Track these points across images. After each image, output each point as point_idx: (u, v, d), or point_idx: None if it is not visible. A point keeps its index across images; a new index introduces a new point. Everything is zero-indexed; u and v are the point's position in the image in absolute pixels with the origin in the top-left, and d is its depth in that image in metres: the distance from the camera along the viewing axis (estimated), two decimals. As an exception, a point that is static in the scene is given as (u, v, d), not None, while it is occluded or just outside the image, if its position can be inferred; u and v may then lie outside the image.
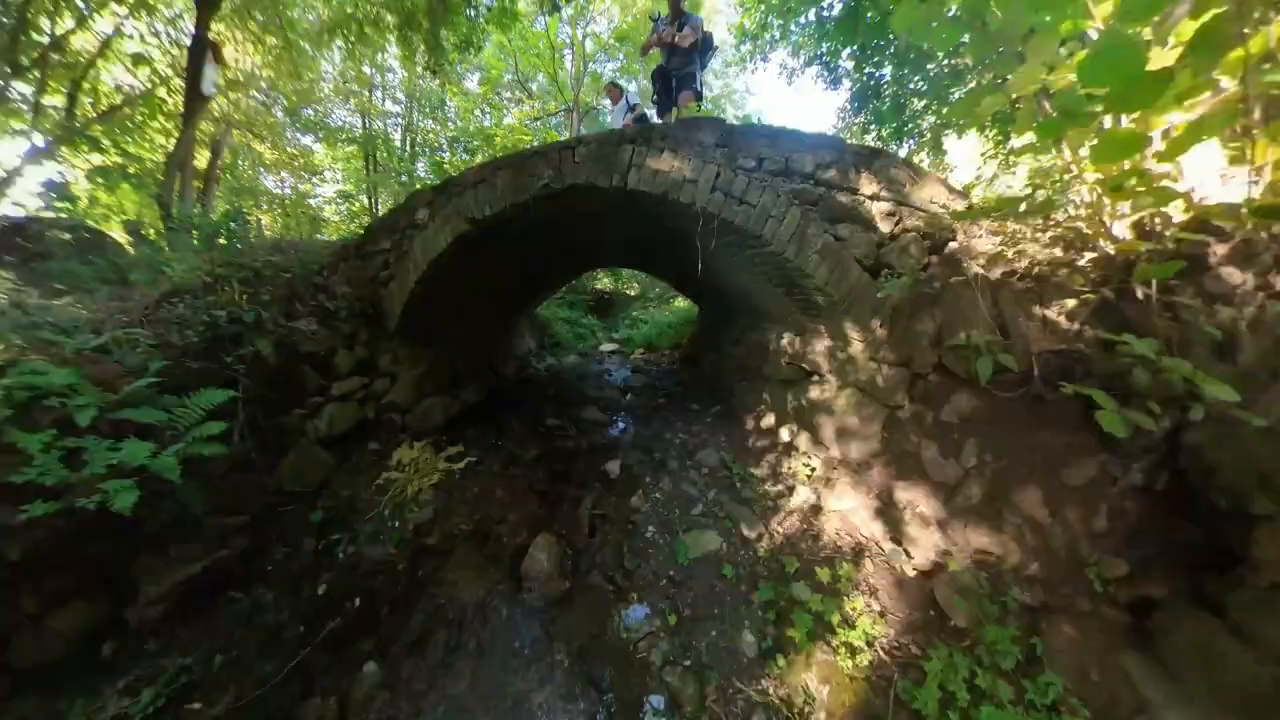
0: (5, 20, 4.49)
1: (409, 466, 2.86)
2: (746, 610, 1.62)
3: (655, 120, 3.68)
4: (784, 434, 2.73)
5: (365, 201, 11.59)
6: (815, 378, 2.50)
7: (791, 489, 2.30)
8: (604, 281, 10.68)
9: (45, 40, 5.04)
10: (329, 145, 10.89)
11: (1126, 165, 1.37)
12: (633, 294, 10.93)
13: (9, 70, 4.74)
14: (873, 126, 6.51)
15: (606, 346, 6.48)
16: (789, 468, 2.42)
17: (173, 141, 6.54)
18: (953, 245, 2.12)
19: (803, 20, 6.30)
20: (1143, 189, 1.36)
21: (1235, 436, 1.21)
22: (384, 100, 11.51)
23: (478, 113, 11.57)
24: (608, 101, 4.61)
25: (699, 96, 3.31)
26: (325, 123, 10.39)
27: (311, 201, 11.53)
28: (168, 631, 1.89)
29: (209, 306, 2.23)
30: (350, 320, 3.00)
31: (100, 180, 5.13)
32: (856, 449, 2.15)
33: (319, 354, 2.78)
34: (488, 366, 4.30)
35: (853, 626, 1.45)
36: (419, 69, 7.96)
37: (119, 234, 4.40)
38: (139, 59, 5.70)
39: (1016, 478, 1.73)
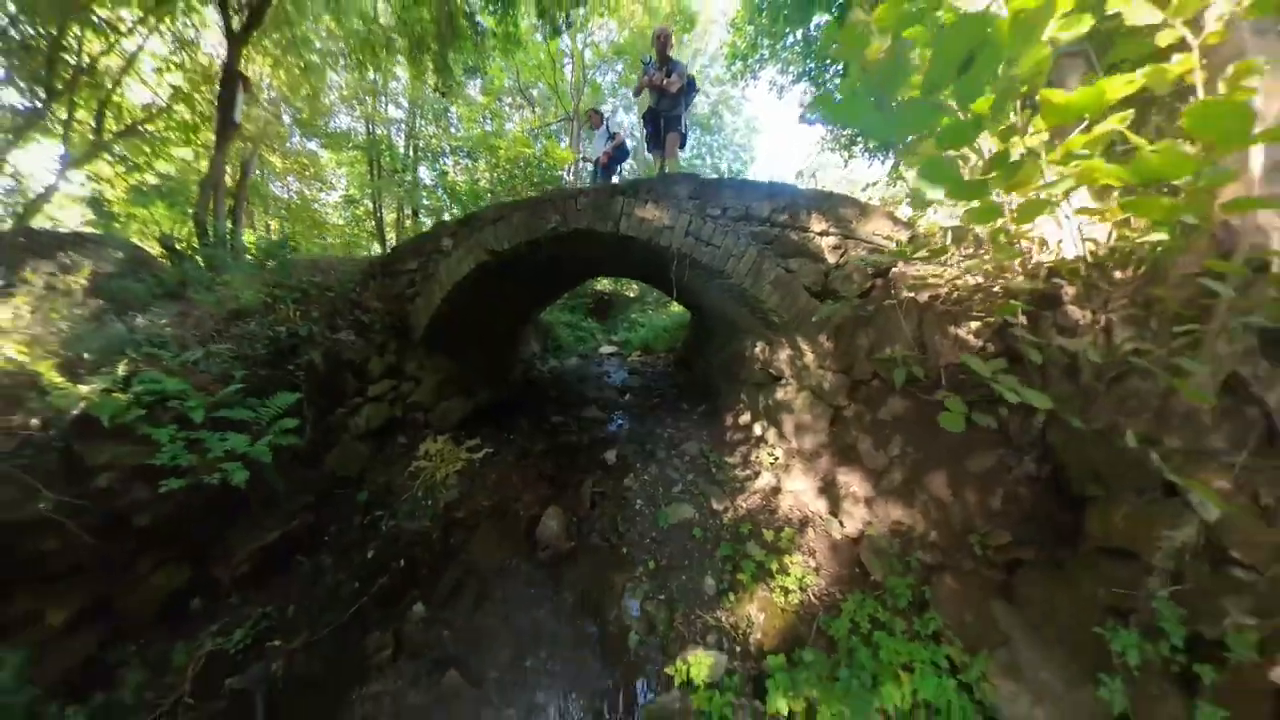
0: (41, 44, 4.88)
1: (435, 457, 3.35)
2: (709, 562, 2.11)
3: (646, 150, 4.11)
4: (756, 429, 3.21)
5: (370, 205, 12.05)
6: (781, 381, 2.97)
7: (757, 474, 2.79)
8: (604, 283, 11.11)
9: (78, 62, 5.43)
10: (334, 151, 11.30)
11: (997, 224, 1.83)
12: (631, 295, 11.37)
13: (45, 93, 5.14)
14: (859, 137, 6.89)
15: (606, 349, 6.94)
16: (757, 457, 2.90)
17: (192, 154, 7.01)
18: (894, 271, 2.59)
19: (790, 39, 6.67)
20: (1003, 243, 1.82)
21: (1075, 436, 1.68)
22: (387, 106, 11.91)
23: (480, 119, 11.97)
24: (588, 127, 5.02)
25: (684, 137, 3.76)
26: (331, 129, 10.79)
27: (315, 205, 11.95)
28: (249, 588, 2.38)
29: (272, 324, 2.70)
30: (382, 332, 3.48)
31: (137, 196, 5.56)
32: (809, 441, 2.63)
33: (356, 361, 3.26)
34: (499, 372, 4.77)
35: (788, 574, 1.94)
36: (427, 88, 8.43)
37: (149, 247, 4.83)
38: (177, 92, 6.14)
39: (930, 465, 2.20)
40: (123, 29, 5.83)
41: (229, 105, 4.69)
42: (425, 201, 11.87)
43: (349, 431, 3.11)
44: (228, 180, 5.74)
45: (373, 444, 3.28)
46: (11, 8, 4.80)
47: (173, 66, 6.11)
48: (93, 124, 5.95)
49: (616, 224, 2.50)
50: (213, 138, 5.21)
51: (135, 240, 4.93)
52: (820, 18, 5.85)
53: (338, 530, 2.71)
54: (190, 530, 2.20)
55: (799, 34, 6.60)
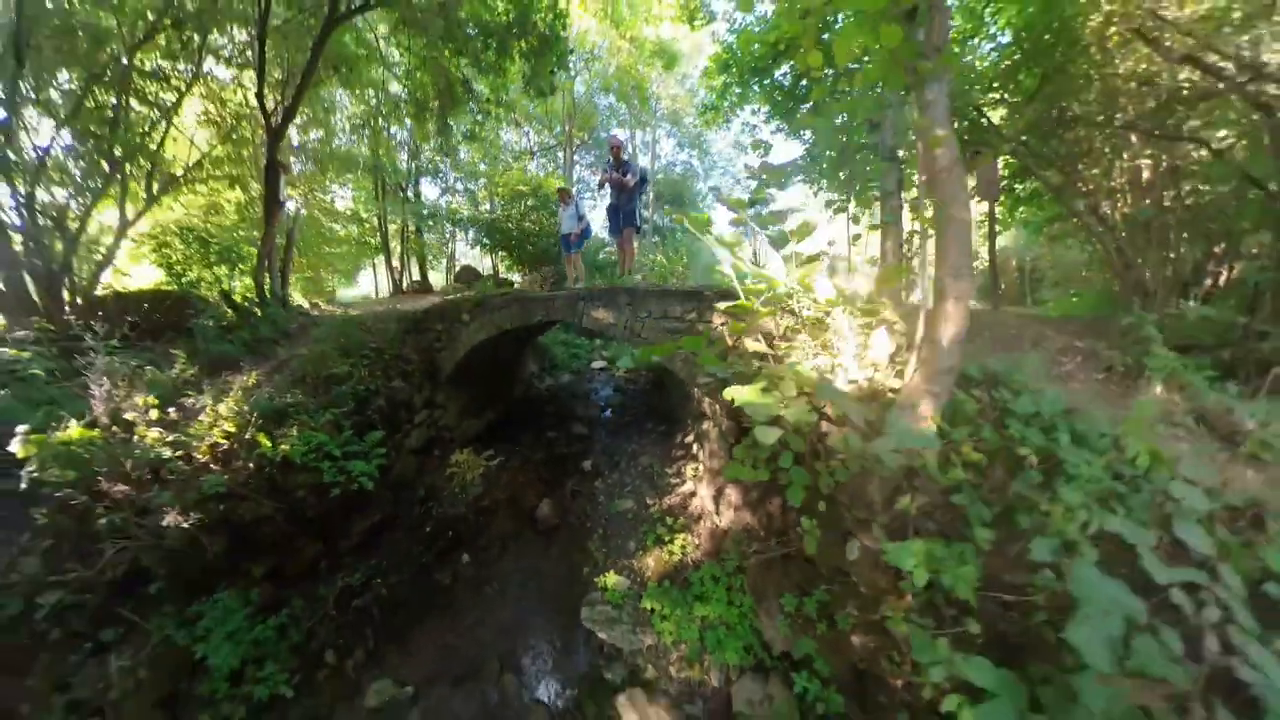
0: (108, 115, 5.75)
1: (462, 464, 4.83)
2: (634, 535, 3.59)
3: (607, 234, 5.32)
4: (694, 449, 4.61)
5: (375, 223, 13.15)
6: (706, 418, 4.34)
7: (684, 481, 4.22)
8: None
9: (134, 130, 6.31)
10: (337, 172, 12.22)
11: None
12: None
13: (108, 163, 5.96)
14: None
15: (596, 364, 8.23)
16: (686, 470, 4.32)
17: (236, 215, 8.18)
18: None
19: (759, 85, 7.20)
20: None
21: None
22: (390, 127, 12.76)
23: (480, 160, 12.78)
24: (559, 207, 5.94)
25: (638, 228, 4.96)
26: (339, 151, 11.66)
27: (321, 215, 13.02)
28: (358, 553, 3.88)
29: (354, 385, 4.10)
30: (419, 376, 4.89)
31: (201, 257, 6.73)
32: (716, 462, 4.03)
33: (405, 400, 4.68)
34: (504, 393, 6.20)
35: (674, 545, 3.40)
36: (429, 148, 9.55)
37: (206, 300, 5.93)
38: (222, 164, 7.30)
39: (768, 491, 3.56)
40: (178, 115, 6.81)
41: (274, 188, 5.90)
42: (429, 221, 12.93)
43: (404, 449, 4.56)
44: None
45: (419, 458, 4.75)
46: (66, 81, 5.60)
47: (218, 146, 7.20)
48: (144, 192, 6.72)
49: (579, 319, 3.84)
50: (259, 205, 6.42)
51: (205, 295, 6.13)
52: (782, 68, 6.52)
53: (406, 516, 4.22)
54: (330, 520, 3.69)
55: (766, 81, 7.12)
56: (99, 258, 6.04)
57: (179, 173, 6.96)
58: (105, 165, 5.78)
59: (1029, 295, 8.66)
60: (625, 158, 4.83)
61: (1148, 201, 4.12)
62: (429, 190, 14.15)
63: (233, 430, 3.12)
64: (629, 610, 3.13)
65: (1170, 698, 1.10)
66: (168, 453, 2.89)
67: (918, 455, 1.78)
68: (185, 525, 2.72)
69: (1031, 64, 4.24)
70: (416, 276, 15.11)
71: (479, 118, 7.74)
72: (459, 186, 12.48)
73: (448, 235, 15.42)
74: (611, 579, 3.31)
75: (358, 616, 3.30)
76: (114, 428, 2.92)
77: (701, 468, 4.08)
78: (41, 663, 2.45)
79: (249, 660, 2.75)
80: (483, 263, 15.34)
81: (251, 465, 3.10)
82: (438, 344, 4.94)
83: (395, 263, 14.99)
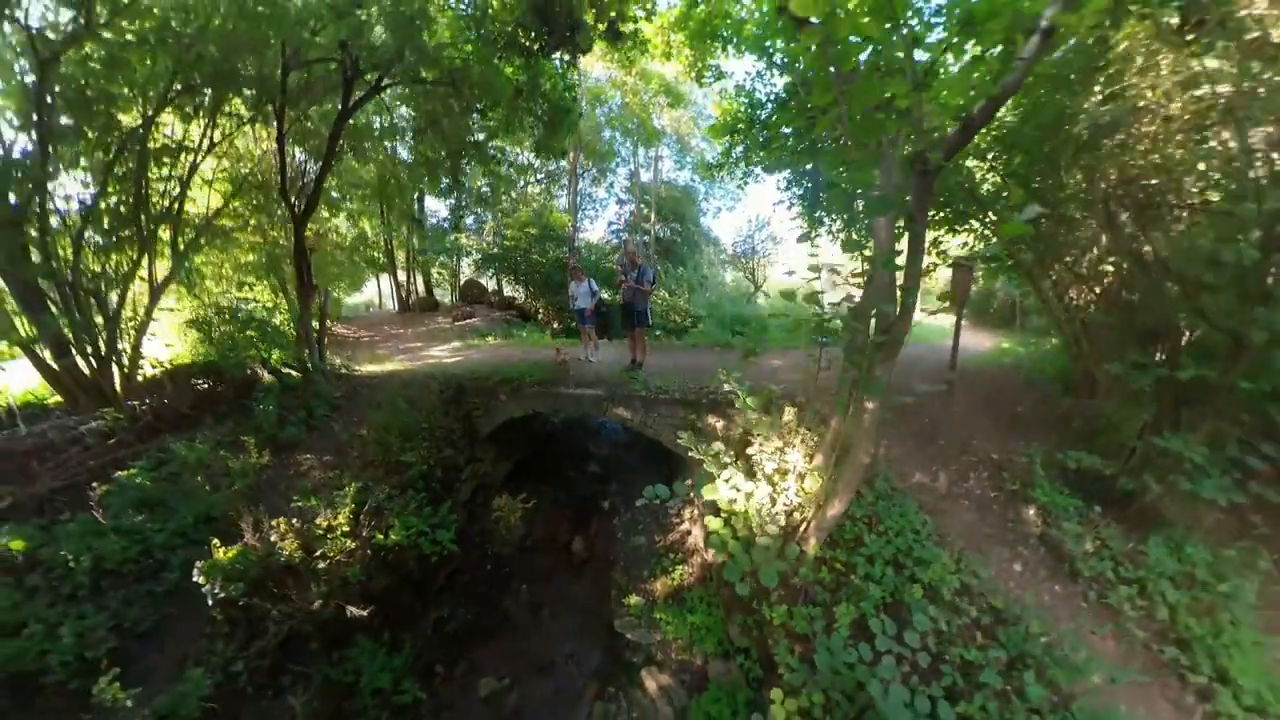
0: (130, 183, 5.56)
1: (504, 508, 6.03)
2: (647, 563, 4.89)
3: (622, 328, 6.17)
4: (690, 493, 5.79)
5: (382, 243, 13.48)
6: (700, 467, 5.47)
7: (682, 521, 5.44)
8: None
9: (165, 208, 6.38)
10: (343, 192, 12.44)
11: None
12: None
13: (136, 234, 5.76)
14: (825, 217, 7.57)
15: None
16: (685, 512, 5.53)
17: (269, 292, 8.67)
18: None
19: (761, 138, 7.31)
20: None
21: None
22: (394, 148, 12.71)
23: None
24: (572, 283, 6.46)
25: (649, 325, 5.81)
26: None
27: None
28: (441, 594, 5.15)
29: (419, 466, 5.16)
30: (462, 439, 5.95)
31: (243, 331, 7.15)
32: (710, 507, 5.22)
33: (453, 463, 5.77)
34: (528, 435, 7.29)
35: (674, 574, 4.67)
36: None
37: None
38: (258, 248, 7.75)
39: None
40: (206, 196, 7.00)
41: (304, 271, 6.54)
42: (441, 254, 13.32)
43: (458, 501, 5.73)
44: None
45: (469, 506, 5.93)
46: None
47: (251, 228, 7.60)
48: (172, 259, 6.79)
49: (604, 414, 4.87)
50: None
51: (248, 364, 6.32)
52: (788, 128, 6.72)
53: (470, 559, 5.46)
54: (426, 575, 4.90)
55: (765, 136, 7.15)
56: (135, 329, 5.93)
57: (205, 239, 7.27)
58: (134, 234, 5.54)
59: (1018, 319, 9.53)
60: (640, 263, 5.58)
61: (1096, 295, 4.24)
62: (434, 203, 14.24)
63: (348, 528, 4.21)
64: (645, 619, 4.50)
65: None
66: (307, 555, 3.97)
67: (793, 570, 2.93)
68: (331, 602, 3.88)
69: (1016, 149, 4.26)
70: (422, 291, 15.65)
71: (487, 184, 8.24)
72: (469, 218, 12.78)
73: (454, 258, 15.75)
74: (633, 599, 4.67)
75: (452, 639, 4.65)
76: (257, 544, 3.91)
77: (696, 511, 5.28)
78: (247, 709, 3.56)
79: (388, 683, 4.05)
80: (486, 274, 15.81)
81: (369, 553, 4.24)
82: (476, 412, 5.98)
83: (401, 277, 15.47)
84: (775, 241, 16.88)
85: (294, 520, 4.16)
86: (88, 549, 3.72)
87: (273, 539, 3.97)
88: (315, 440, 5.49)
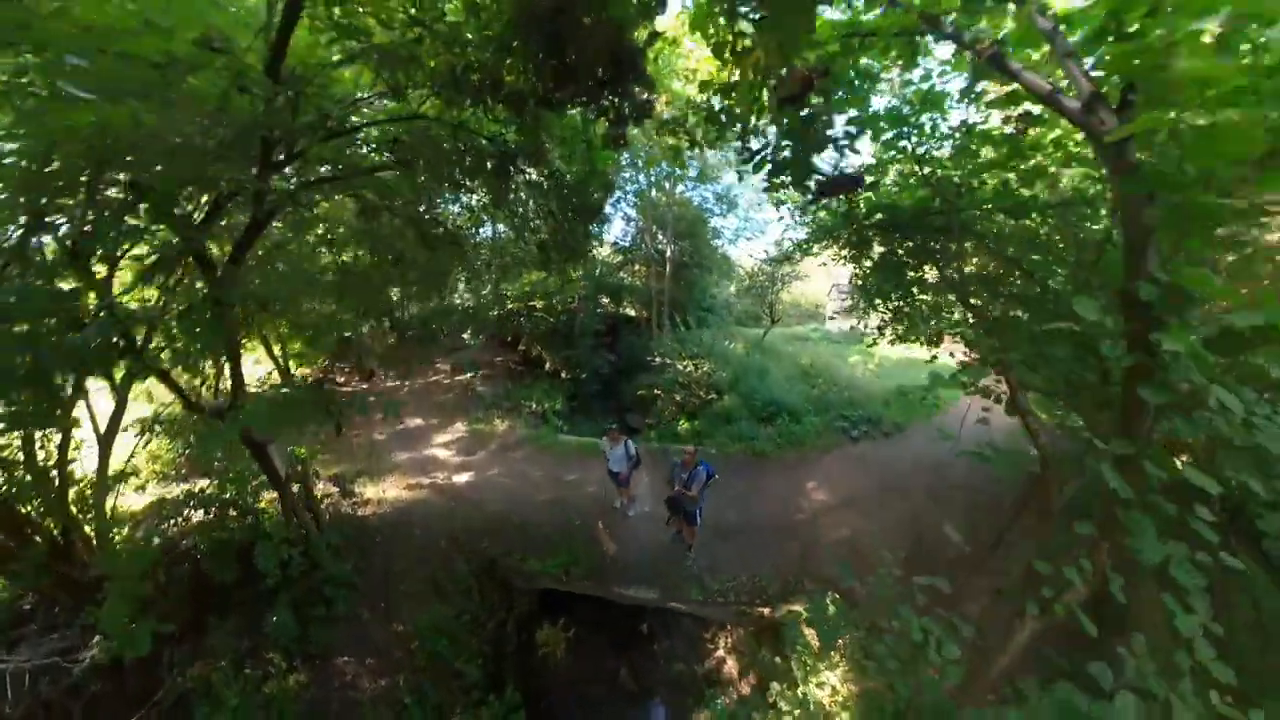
0: None
1: (548, 642, 6.68)
2: (690, 691, 6.06)
3: (665, 521, 6.42)
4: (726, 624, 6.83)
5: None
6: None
7: (717, 648, 6.53)
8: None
9: None
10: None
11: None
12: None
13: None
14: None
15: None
16: (720, 639, 6.59)
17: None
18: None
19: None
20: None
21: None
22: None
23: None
24: (606, 443, 6.36)
25: (697, 524, 6.05)
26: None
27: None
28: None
29: (470, 657, 5.48)
30: (500, 601, 6.29)
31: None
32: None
33: (495, 631, 6.17)
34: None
35: (715, 702, 5.86)
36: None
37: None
38: None
39: None
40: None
41: (270, 466, 5.44)
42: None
43: (505, 650, 6.22)
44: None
45: (516, 653, 6.44)
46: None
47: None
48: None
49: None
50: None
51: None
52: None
53: (531, 701, 6.13)
54: None
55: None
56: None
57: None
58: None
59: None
60: (696, 467, 5.50)
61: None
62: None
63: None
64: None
65: None
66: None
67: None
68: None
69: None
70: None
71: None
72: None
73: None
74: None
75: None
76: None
77: (730, 641, 6.36)
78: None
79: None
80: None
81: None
82: (514, 578, 6.25)
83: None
84: (795, 273, 16.34)
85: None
86: None
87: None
88: (347, 640, 5.26)
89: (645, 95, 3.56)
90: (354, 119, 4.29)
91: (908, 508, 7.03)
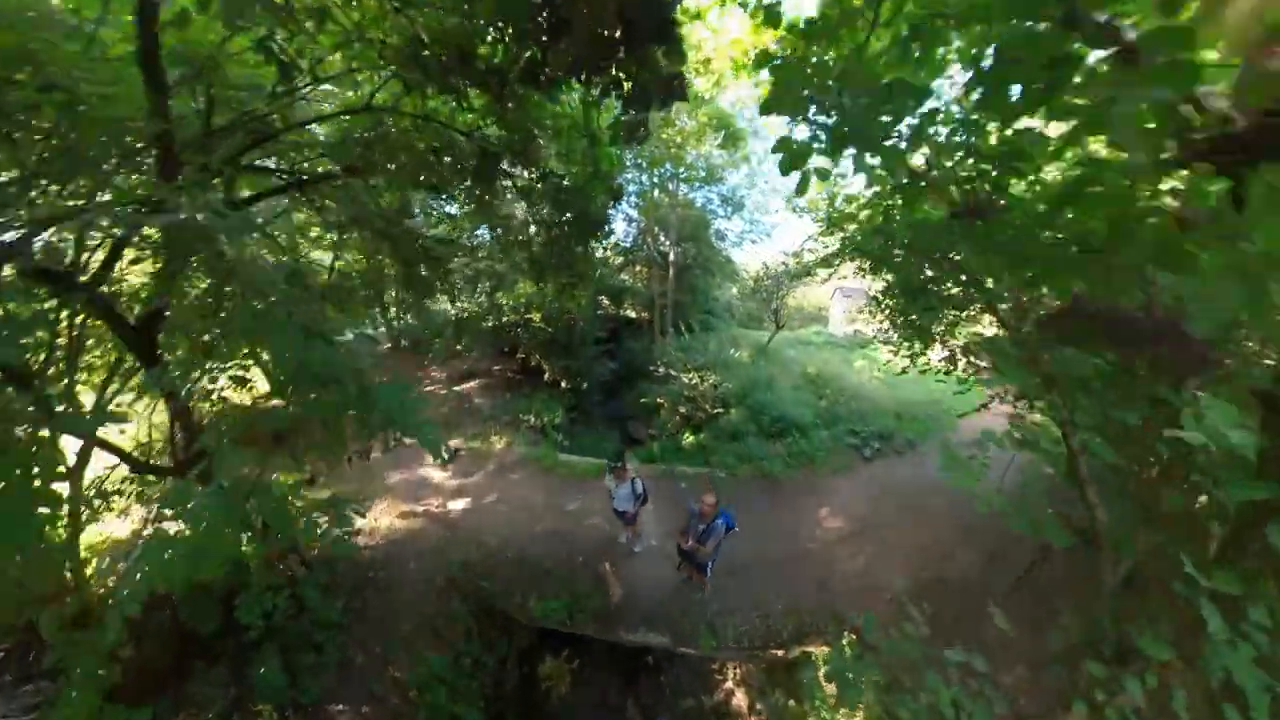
0: None
1: (552, 675, 6.46)
2: None
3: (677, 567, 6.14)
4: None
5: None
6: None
7: (725, 679, 6.29)
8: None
9: None
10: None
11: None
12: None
13: None
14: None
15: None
16: (728, 670, 6.35)
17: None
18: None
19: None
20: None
21: None
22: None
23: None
24: (612, 480, 5.93)
25: (707, 576, 5.80)
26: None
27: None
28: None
29: (476, 702, 5.24)
30: (498, 637, 6.04)
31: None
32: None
33: (495, 670, 5.91)
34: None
35: None
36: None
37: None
38: None
39: None
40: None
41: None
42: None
43: (508, 691, 6.01)
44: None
45: (520, 690, 6.23)
46: None
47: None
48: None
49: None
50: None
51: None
52: None
53: None
54: None
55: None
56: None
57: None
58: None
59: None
60: (716, 520, 4.94)
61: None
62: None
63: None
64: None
65: None
66: None
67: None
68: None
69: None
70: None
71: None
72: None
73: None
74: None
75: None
76: None
77: (739, 673, 6.12)
78: None
79: None
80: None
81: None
82: (517, 606, 5.98)
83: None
84: (807, 273, 15.76)
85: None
86: None
87: None
88: (342, 689, 5.01)
89: (673, 70, 2.53)
90: (284, 117, 3.47)
91: (928, 534, 6.75)
